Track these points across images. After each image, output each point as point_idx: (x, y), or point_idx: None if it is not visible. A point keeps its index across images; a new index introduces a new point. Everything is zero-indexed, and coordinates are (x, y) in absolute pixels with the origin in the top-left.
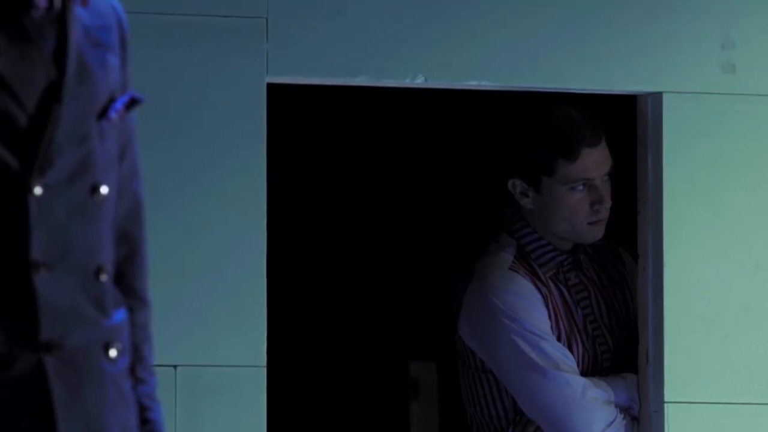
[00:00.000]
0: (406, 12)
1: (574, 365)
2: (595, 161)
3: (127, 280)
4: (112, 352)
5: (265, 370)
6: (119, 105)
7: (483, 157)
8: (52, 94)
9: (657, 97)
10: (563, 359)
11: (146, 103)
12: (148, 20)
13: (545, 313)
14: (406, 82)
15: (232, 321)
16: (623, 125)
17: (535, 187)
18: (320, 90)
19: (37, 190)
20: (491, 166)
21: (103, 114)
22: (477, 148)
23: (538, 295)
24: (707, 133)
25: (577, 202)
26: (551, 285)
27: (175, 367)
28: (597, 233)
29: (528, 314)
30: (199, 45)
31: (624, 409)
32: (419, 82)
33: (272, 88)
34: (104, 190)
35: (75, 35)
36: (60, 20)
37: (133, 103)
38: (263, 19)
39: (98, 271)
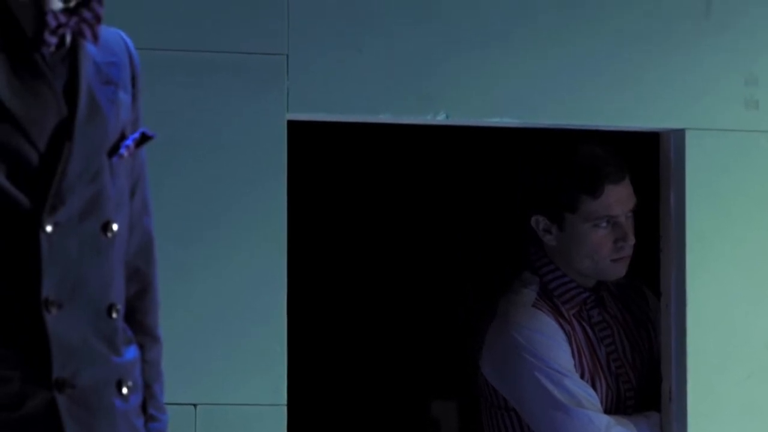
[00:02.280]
0: (428, 49)
1: (598, 403)
2: (618, 198)
3: (138, 317)
4: (124, 390)
5: (285, 408)
6: (130, 142)
7: (506, 194)
8: (64, 131)
9: (680, 134)
10: (586, 397)
11: (168, 140)
12: (168, 57)
13: (568, 350)
14: (428, 119)
15: (253, 359)
16: (646, 162)
17: (558, 224)
18: (341, 127)
19: (49, 228)
20: (514, 203)
21: (113, 151)
22: (500, 185)
23: (562, 333)
24: (730, 170)
25: (601, 239)
26: (574, 322)
27: (195, 405)
28: (620, 270)
29: (551, 352)
30: (219, 82)
31: None
32: (441, 119)
33: (292, 125)
34: (115, 227)
35: (86, 72)
36: (71, 57)
37: (143, 139)
38: (284, 56)
39: (110, 309)
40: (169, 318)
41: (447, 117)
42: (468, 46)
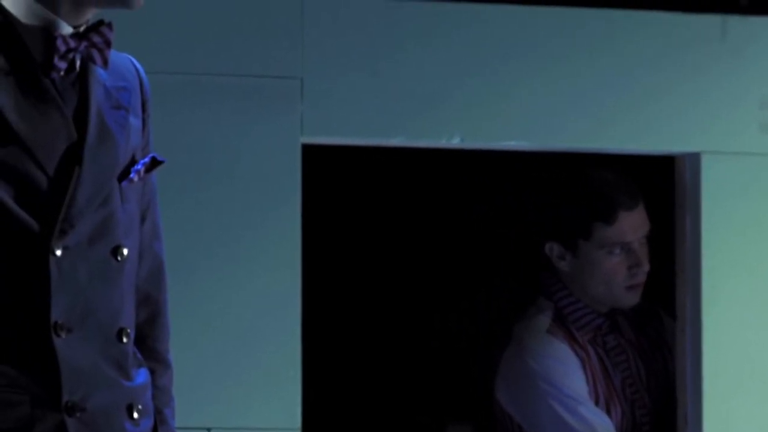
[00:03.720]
0: (442, 72)
1: (613, 430)
2: (632, 224)
3: (149, 343)
4: (135, 414)
5: None
6: (140, 166)
7: (520, 219)
8: (73, 156)
9: (695, 157)
10: (601, 424)
11: (182, 163)
12: (183, 81)
13: (583, 377)
14: (442, 143)
15: (267, 383)
16: (662, 186)
17: (572, 250)
18: (355, 150)
19: (58, 252)
20: (528, 229)
21: (124, 175)
22: (514, 211)
23: (576, 359)
24: (746, 193)
25: (615, 265)
26: (589, 348)
27: (209, 429)
28: (634, 298)
29: (566, 378)
30: (234, 105)
31: None
32: (456, 142)
33: (307, 149)
34: (125, 251)
35: (96, 97)
36: (81, 82)
37: (154, 164)
38: (298, 80)
39: (120, 333)
40: (184, 341)
41: (461, 141)
42: (482, 70)
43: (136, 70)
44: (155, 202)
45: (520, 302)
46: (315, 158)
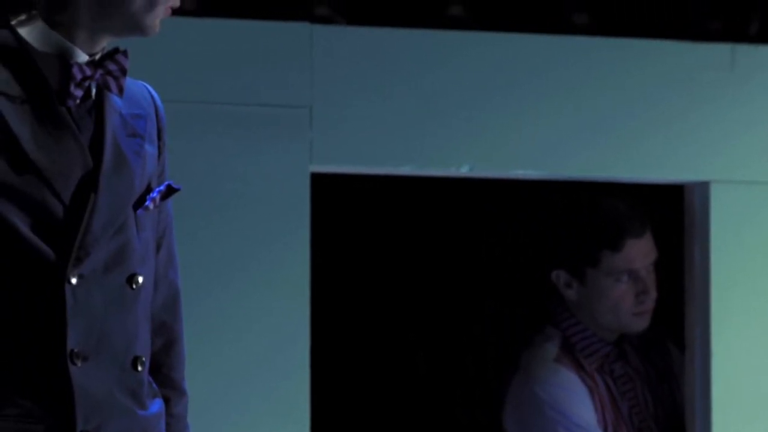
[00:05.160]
0: (451, 101)
1: None
2: (640, 252)
3: (164, 371)
4: None
5: None
6: (156, 194)
7: (527, 247)
8: (89, 184)
9: (704, 186)
10: None
11: (191, 192)
12: (192, 109)
13: (591, 405)
14: (451, 172)
15: (276, 410)
16: (671, 215)
17: (579, 278)
18: (364, 179)
19: (74, 280)
20: (535, 257)
21: (139, 203)
22: (521, 239)
23: (584, 388)
24: (755, 222)
25: (622, 293)
26: (596, 377)
27: None
28: (642, 324)
29: (573, 407)
30: (243, 134)
31: None
32: (464, 171)
33: (316, 178)
34: (141, 279)
35: (111, 125)
36: (97, 109)
37: (170, 192)
38: (307, 109)
39: (135, 361)
40: (193, 368)
41: (470, 169)
42: (491, 99)
43: (152, 97)
44: (171, 230)
45: (528, 330)
46: (324, 187)
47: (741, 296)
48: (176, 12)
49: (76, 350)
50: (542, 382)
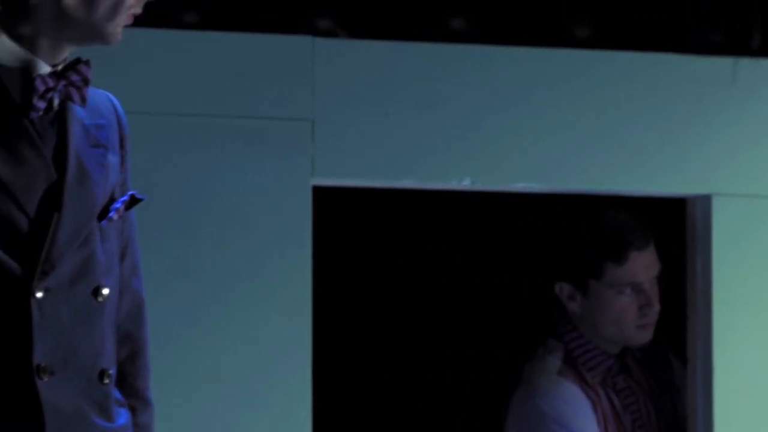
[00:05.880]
0: (452, 114)
1: None
2: (643, 265)
3: (130, 381)
4: None
5: None
6: (119, 204)
7: (530, 260)
8: (53, 197)
9: (706, 199)
10: None
11: (193, 206)
12: (194, 123)
13: (594, 418)
14: (453, 185)
15: (278, 427)
16: (673, 228)
17: (582, 291)
18: (366, 192)
19: (39, 294)
20: (538, 270)
21: (103, 214)
22: (524, 252)
23: (587, 401)
24: (757, 236)
25: (625, 305)
26: (599, 390)
27: None
28: (645, 337)
29: (576, 420)
30: (245, 147)
31: None
32: (466, 184)
33: (318, 191)
34: (105, 291)
35: (74, 136)
36: (59, 120)
37: (133, 202)
38: (309, 122)
39: (101, 374)
40: (194, 385)
41: (472, 183)
42: (492, 112)
43: (113, 106)
44: (134, 239)
45: (531, 343)
46: (326, 200)
47: (743, 309)
48: (178, 25)
49: (42, 365)
50: (545, 395)
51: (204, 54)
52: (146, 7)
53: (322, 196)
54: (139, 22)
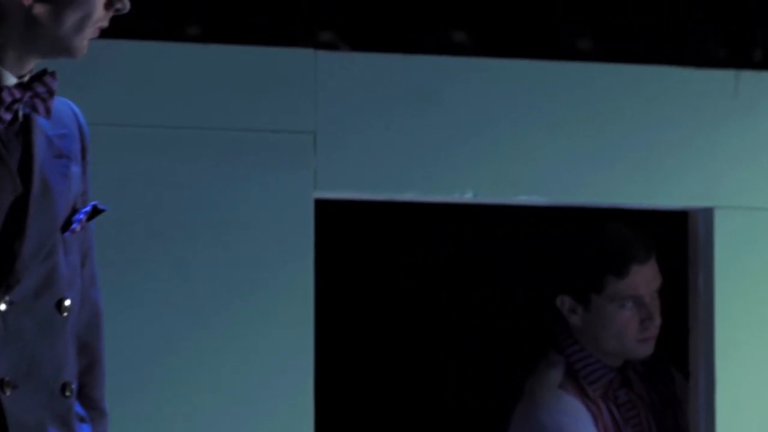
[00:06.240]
0: (454, 127)
1: None
2: (644, 278)
3: (86, 391)
4: None
5: None
6: (82, 216)
7: (531, 273)
8: (19, 209)
9: (708, 212)
10: None
11: (194, 218)
12: (196, 135)
13: None
14: (455, 197)
15: None
16: (674, 241)
17: (583, 304)
18: (368, 205)
19: (3, 307)
20: (539, 283)
21: (66, 226)
22: (525, 265)
23: (588, 415)
24: (759, 249)
25: (627, 319)
26: (600, 403)
27: None
28: (647, 350)
29: None
30: (247, 160)
31: None
32: (468, 197)
33: (320, 204)
34: (68, 303)
35: (38, 148)
36: (24, 131)
37: (95, 212)
38: (311, 135)
39: (64, 388)
40: (197, 396)
41: (474, 195)
42: (494, 125)
43: (75, 115)
44: (93, 249)
45: (532, 356)
46: (328, 212)
47: (745, 322)
48: (181, 38)
49: (6, 378)
50: (546, 409)
51: (206, 67)
52: (148, 20)
53: (324, 209)
54: (141, 35)
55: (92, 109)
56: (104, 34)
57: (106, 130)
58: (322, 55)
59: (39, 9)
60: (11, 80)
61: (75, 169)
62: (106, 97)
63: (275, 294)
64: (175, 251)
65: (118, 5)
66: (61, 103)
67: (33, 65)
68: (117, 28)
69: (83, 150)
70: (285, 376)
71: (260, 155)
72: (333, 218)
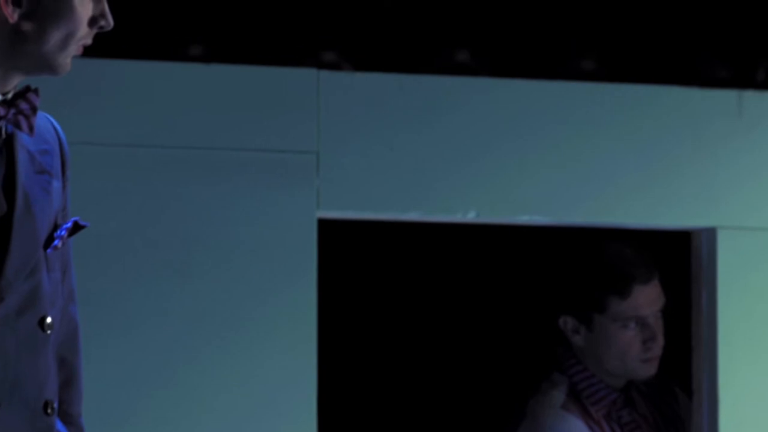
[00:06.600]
0: (457, 147)
1: None
2: (647, 298)
3: (64, 407)
4: None
5: None
6: (63, 232)
7: (534, 293)
8: (2, 227)
9: (711, 232)
10: None
11: (197, 238)
12: (199, 155)
13: None
14: (458, 218)
15: None
16: (677, 261)
17: (586, 324)
18: (371, 225)
19: None
20: (542, 303)
21: (48, 243)
22: (528, 285)
23: None
24: (762, 268)
25: (630, 339)
26: (604, 424)
27: None
28: (650, 370)
29: None
30: (250, 179)
31: None
32: (471, 217)
33: (323, 224)
34: (50, 320)
35: (21, 164)
36: (7, 147)
37: (76, 228)
38: (314, 154)
39: (45, 405)
40: (199, 417)
41: (477, 215)
42: (497, 145)
43: (55, 130)
44: (71, 265)
45: (535, 377)
46: (331, 232)
47: (748, 342)
48: (183, 58)
49: None
50: (549, 430)
51: (209, 86)
52: (151, 40)
53: (327, 229)
54: (144, 55)
55: (95, 130)
56: (106, 53)
57: (109, 150)
58: (325, 75)
59: (24, 26)
60: None
61: (56, 184)
62: (109, 118)
63: (278, 313)
64: (178, 271)
65: (102, 23)
66: (41, 118)
67: (17, 82)
68: (120, 48)
69: (63, 165)
70: (287, 395)
71: (263, 175)
72: (336, 238)
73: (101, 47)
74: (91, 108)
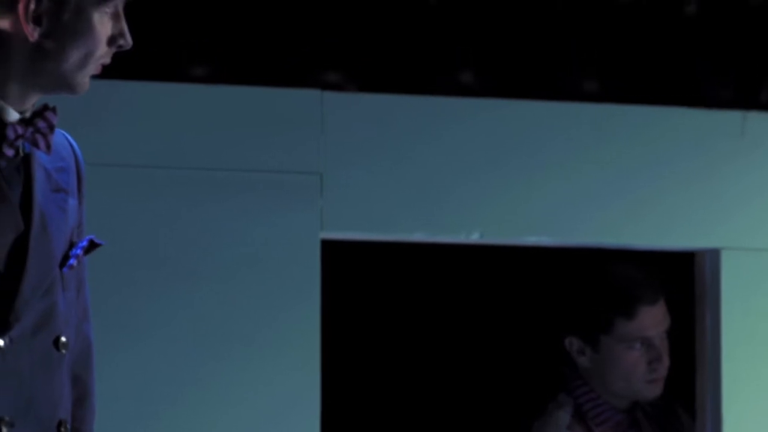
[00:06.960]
0: (461, 168)
1: None
2: (653, 319)
3: (76, 425)
4: None
5: None
6: (79, 251)
7: (540, 314)
8: (20, 246)
9: (715, 253)
10: None
11: (201, 258)
12: (203, 176)
13: None
14: (462, 238)
15: None
16: (682, 282)
17: (592, 345)
18: (375, 246)
19: (1, 344)
20: (548, 324)
21: (64, 262)
22: (533, 306)
23: None
24: (766, 289)
25: (635, 360)
26: None
27: None
28: (655, 391)
29: None
30: (253, 200)
31: None
32: (475, 238)
33: (326, 244)
34: (65, 340)
35: (38, 183)
36: (24, 165)
37: (92, 247)
38: (318, 175)
39: (59, 425)
40: None
41: (481, 236)
42: (501, 166)
43: (72, 147)
44: (86, 283)
45: (541, 398)
46: (334, 253)
47: (752, 363)
48: (186, 79)
49: (6, 418)
50: None
51: (212, 107)
52: (154, 60)
53: (331, 250)
54: (147, 75)
55: (99, 150)
56: (111, 74)
57: (113, 170)
58: (329, 95)
59: (45, 44)
60: (14, 116)
61: (72, 202)
62: (113, 138)
63: (282, 334)
64: (182, 291)
65: (121, 42)
66: (57, 135)
67: (35, 100)
68: (124, 69)
69: (79, 182)
70: (291, 414)
71: (266, 196)
72: (339, 259)
73: (105, 68)
74: (94, 129)
